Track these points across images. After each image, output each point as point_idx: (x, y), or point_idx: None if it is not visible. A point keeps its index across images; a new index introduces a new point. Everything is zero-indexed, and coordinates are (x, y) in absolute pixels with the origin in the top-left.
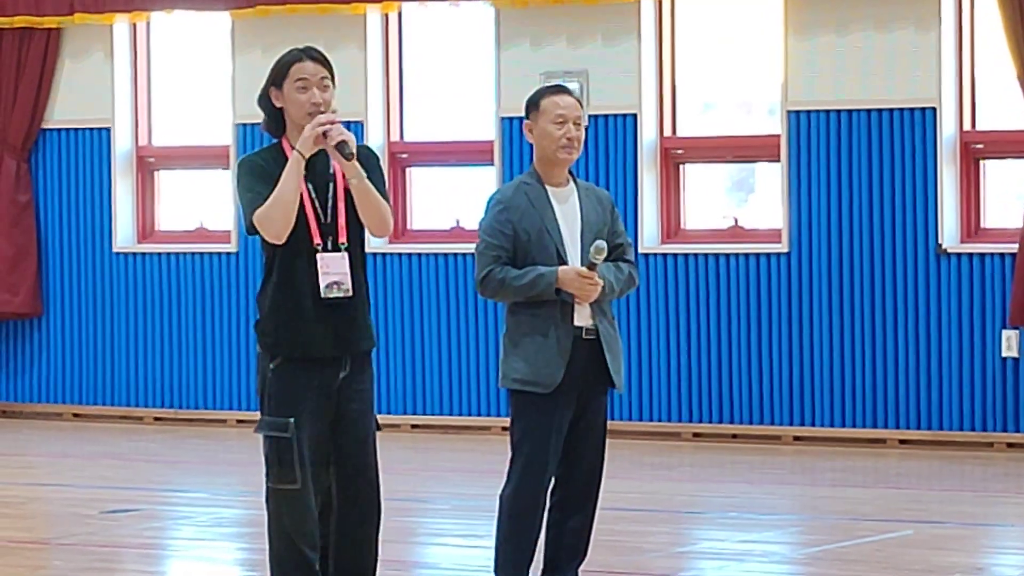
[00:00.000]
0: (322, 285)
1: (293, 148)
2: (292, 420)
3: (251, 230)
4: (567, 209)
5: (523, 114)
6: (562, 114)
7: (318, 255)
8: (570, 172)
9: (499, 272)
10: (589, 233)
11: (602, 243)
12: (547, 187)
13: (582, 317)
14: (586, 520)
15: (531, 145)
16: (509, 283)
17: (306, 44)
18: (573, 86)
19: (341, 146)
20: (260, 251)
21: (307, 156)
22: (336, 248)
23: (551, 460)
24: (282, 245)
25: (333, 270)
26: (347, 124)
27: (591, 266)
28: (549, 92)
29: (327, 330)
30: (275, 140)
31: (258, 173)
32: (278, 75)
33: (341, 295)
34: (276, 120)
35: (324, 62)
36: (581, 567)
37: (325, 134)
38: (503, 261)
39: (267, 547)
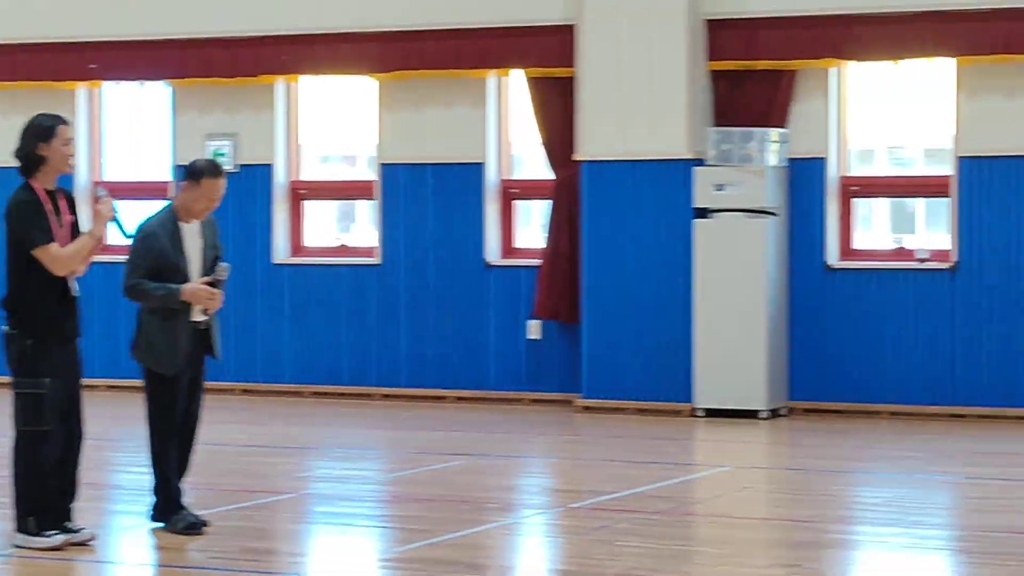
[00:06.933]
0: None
1: None
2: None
3: None
4: (193, 239)
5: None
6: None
7: None
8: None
9: (142, 285)
10: (209, 250)
11: (227, 264)
12: (179, 224)
13: (195, 314)
14: (184, 453)
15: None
16: (148, 292)
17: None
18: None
19: None
20: None
21: None
22: None
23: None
24: None
25: None
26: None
27: (217, 282)
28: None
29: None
30: None
31: None
32: None
33: None
34: None
35: None
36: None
37: None
38: (146, 276)
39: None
